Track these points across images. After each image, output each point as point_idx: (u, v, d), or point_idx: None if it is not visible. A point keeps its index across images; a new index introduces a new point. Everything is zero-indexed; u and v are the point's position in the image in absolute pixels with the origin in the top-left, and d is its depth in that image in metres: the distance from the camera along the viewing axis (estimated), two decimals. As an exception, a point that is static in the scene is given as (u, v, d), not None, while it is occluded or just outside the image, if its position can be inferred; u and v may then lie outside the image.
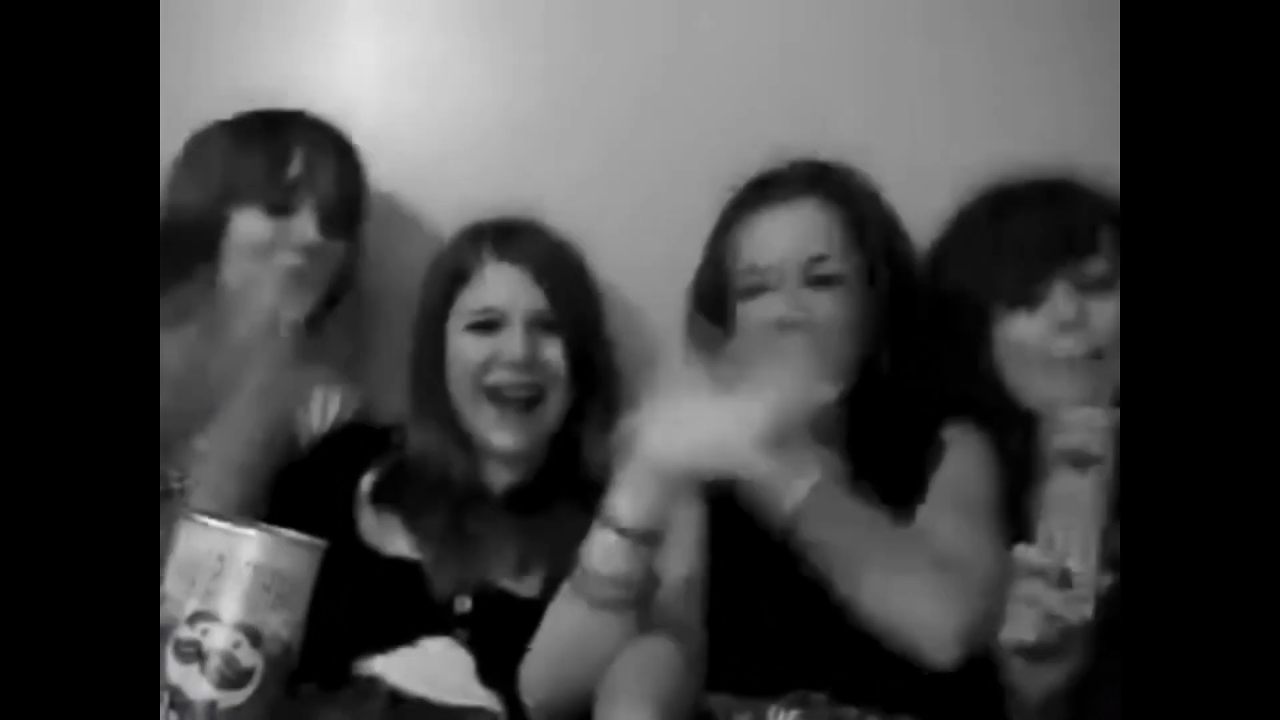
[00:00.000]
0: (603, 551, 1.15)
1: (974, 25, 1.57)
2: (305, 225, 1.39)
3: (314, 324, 1.48)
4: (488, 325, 1.37)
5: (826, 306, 1.31)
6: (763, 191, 1.38)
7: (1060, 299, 1.27)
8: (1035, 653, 1.13)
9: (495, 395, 1.36)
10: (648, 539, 1.15)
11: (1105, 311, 1.27)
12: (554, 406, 1.38)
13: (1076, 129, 1.43)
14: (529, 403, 1.37)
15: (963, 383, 1.33)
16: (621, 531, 1.14)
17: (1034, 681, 1.16)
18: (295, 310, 1.41)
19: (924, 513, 1.26)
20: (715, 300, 1.39)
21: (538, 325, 1.38)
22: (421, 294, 1.45)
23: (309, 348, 1.46)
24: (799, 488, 1.20)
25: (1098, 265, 1.28)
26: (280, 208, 1.39)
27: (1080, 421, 1.16)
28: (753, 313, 1.34)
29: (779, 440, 1.12)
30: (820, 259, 1.32)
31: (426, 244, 1.53)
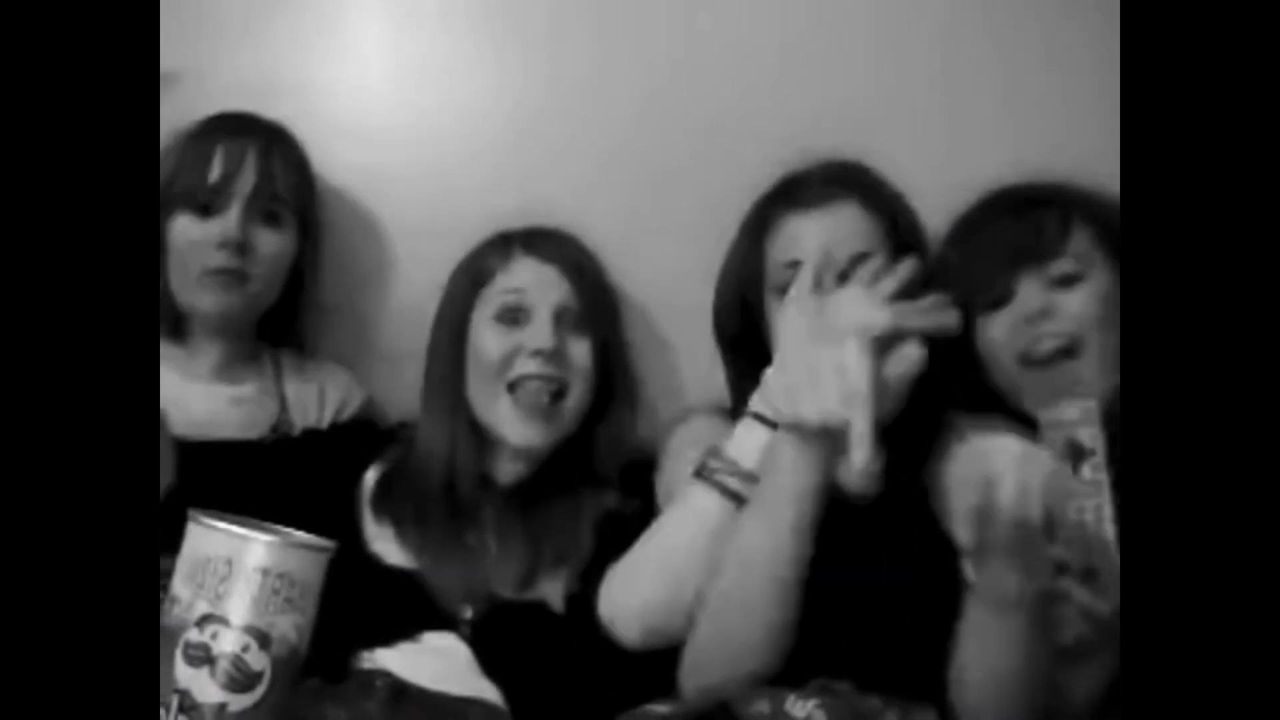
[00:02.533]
0: (769, 453, 1.16)
1: (979, 25, 1.56)
2: (228, 222, 1.39)
3: (275, 323, 1.50)
4: (514, 316, 1.37)
5: None
6: (798, 191, 1.36)
7: (1026, 294, 1.30)
8: (1075, 653, 1.13)
9: (517, 388, 1.35)
10: (822, 436, 1.13)
11: (1074, 303, 1.29)
12: (575, 404, 1.37)
13: (1081, 131, 1.42)
14: (553, 396, 1.36)
15: (953, 387, 1.34)
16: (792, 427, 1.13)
17: (1076, 686, 1.15)
18: (226, 301, 1.41)
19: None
20: (748, 300, 1.37)
21: (565, 319, 1.37)
22: (445, 292, 1.44)
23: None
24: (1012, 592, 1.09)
25: (1063, 264, 1.30)
26: (205, 208, 1.40)
27: (1067, 416, 1.18)
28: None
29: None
30: (864, 256, 1.29)
31: (431, 245, 1.53)
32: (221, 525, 0.95)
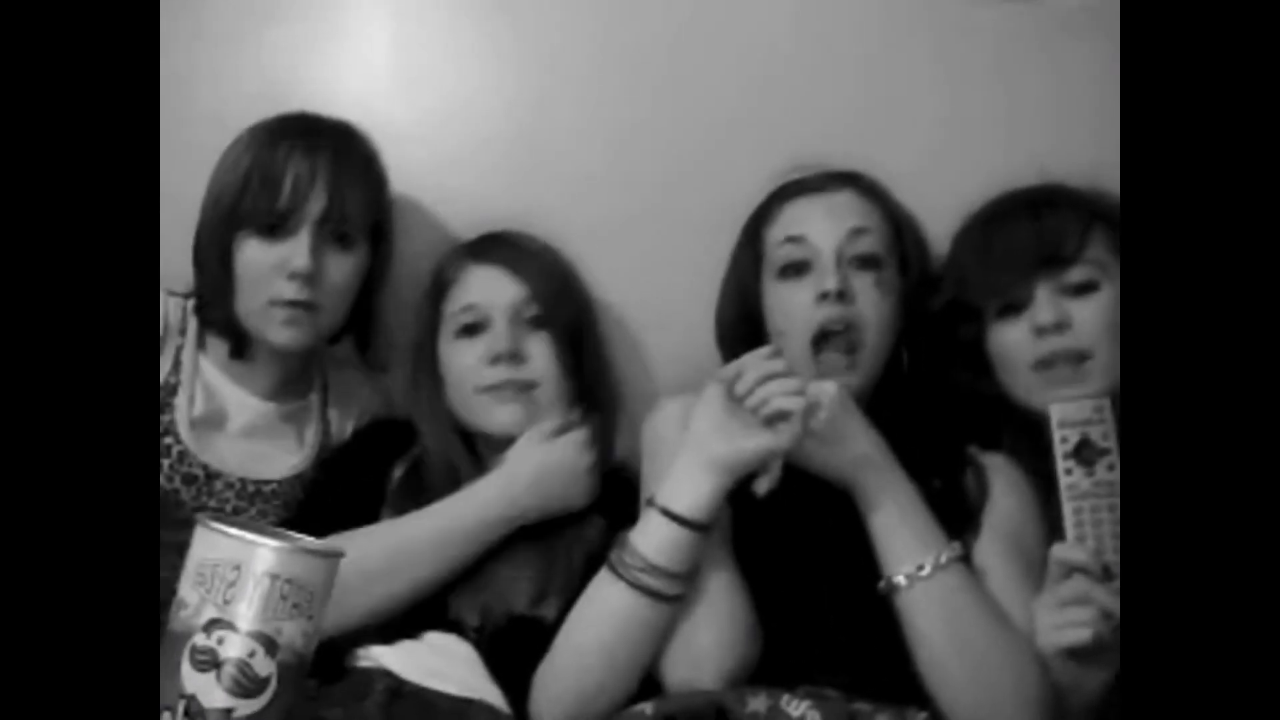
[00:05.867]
0: (658, 540, 1.17)
1: (978, 32, 1.57)
2: (299, 251, 1.35)
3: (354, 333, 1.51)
4: (473, 327, 1.39)
5: (867, 287, 1.32)
6: (797, 186, 1.40)
7: (1041, 304, 1.29)
8: (1091, 652, 1.13)
9: (490, 391, 1.37)
10: (705, 530, 1.17)
11: (1089, 312, 1.29)
12: (549, 396, 1.38)
13: (1079, 139, 1.43)
14: (522, 388, 1.37)
15: (968, 391, 1.35)
16: (681, 521, 1.16)
17: (1086, 682, 1.16)
18: (297, 336, 1.39)
19: (980, 552, 1.26)
20: (746, 292, 1.40)
21: (520, 320, 1.38)
22: (415, 312, 1.47)
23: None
24: (925, 562, 1.20)
25: (1080, 271, 1.30)
26: (274, 231, 1.35)
27: (1080, 415, 1.18)
28: (790, 293, 1.34)
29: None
30: (862, 231, 1.34)
31: (434, 246, 1.53)
32: (230, 530, 0.94)
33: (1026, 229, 1.33)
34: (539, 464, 1.33)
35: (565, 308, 1.42)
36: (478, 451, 1.43)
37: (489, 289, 1.39)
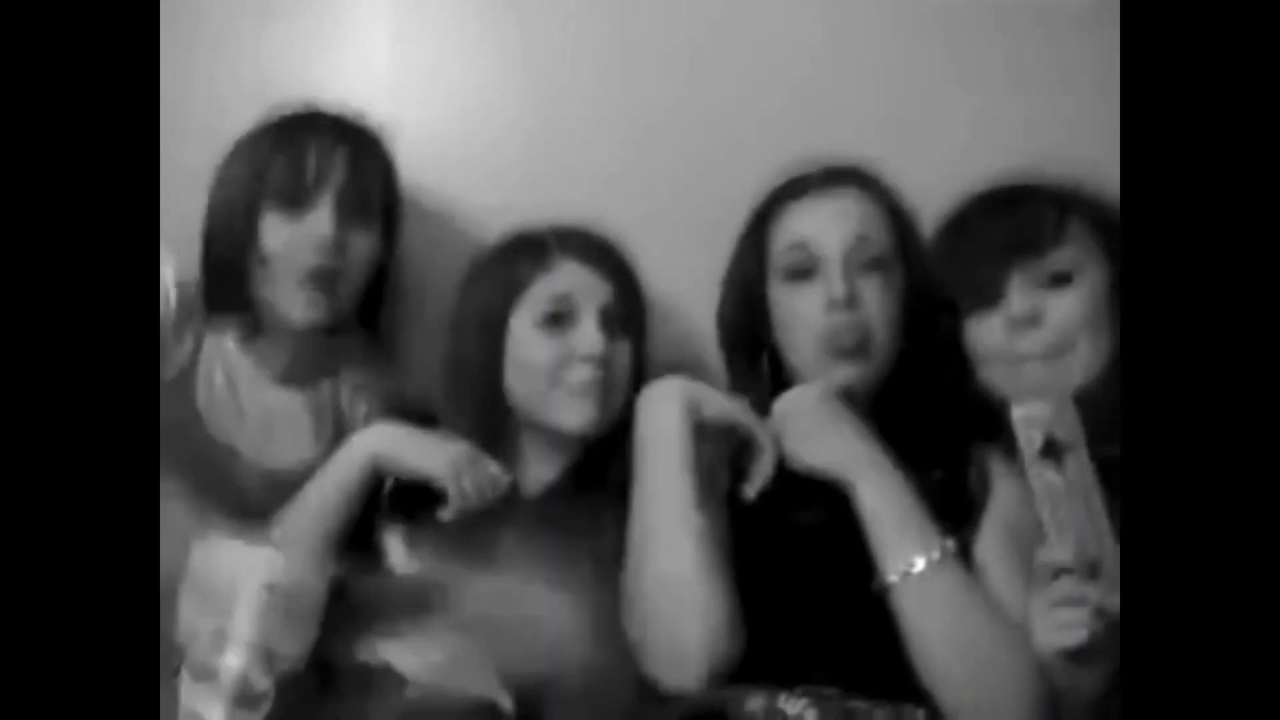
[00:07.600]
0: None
1: (991, 32, 1.56)
2: (322, 221, 1.37)
3: (354, 323, 1.50)
4: (560, 320, 1.36)
5: (874, 290, 1.31)
6: (800, 185, 1.38)
7: (1015, 296, 1.28)
8: (1087, 654, 1.11)
9: (573, 392, 1.35)
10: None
11: (1064, 306, 1.27)
12: (617, 404, 1.37)
13: (1087, 136, 1.41)
14: (605, 389, 1.36)
15: (947, 387, 1.35)
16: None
17: (1084, 682, 1.14)
18: (319, 310, 1.40)
19: (980, 546, 1.25)
20: (751, 293, 1.38)
21: (607, 322, 1.37)
22: (470, 296, 1.42)
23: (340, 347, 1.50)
24: (917, 560, 1.19)
25: (1059, 260, 1.28)
26: (297, 208, 1.38)
27: (1041, 413, 1.17)
28: (797, 299, 1.33)
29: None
30: (867, 234, 1.32)
31: (443, 241, 1.54)
32: (227, 542, 0.95)
33: (1000, 219, 1.32)
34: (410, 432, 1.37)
35: (641, 316, 1.43)
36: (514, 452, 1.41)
37: (582, 285, 1.37)
